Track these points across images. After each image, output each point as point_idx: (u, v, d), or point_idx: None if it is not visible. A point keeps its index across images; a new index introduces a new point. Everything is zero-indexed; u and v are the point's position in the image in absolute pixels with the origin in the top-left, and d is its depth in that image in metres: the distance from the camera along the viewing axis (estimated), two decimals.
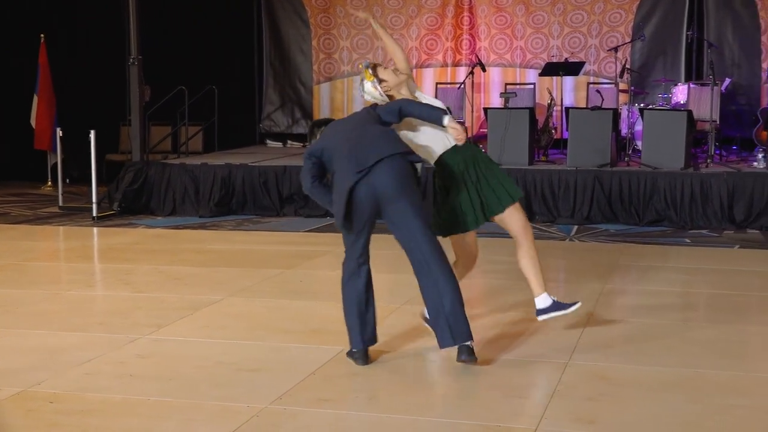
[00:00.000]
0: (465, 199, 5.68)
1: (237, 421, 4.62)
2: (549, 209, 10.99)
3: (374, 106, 5.76)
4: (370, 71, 5.75)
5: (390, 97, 5.79)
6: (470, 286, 7.85)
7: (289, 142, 15.70)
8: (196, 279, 8.00)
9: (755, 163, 11.35)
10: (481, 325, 6.30)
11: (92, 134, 11.47)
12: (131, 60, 12.29)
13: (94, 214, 11.43)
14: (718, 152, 12.01)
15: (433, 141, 5.72)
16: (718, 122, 12.10)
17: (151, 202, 12.04)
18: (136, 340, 6.07)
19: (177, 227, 10.96)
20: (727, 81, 13.28)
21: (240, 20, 15.58)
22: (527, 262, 5.86)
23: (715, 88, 11.82)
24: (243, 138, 15.34)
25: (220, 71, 14.64)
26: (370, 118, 5.61)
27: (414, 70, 13.59)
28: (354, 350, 5.54)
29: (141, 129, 12.41)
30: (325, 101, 15.50)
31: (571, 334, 6.15)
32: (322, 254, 9.13)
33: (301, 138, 15.61)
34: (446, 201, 5.72)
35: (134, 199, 11.99)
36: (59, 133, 12.44)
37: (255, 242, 9.96)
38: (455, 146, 5.67)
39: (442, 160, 5.73)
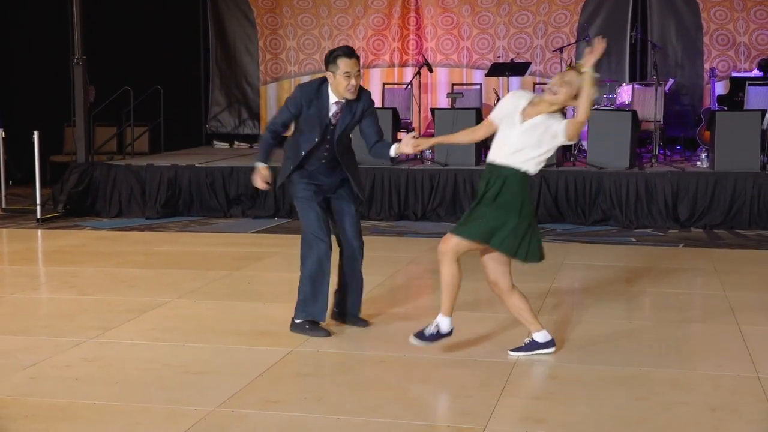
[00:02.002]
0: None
1: (184, 424, 4.58)
2: None
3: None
4: None
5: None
6: (419, 285, 7.89)
7: (236, 142, 15.61)
8: (142, 281, 7.93)
9: (698, 163, 11.49)
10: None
11: (36, 135, 11.33)
12: (75, 60, 12.15)
13: (38, 216, 11.28)
14: (662, 152, 12.15)
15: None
16: (662, 122, 12.25)
17: (96, 204, 11.91)
18: (81, 344, 6.00)
19: (123, 229, 10.86)
20: (671, 81, 13.44)
21: (186, 20, 15.47)
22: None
23: (658, 88, 11.95)
24: (189, 139, 15.24)
25: (165, 71, 14.53)
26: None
27: (361, 71, 13.56)
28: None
29: (86, 130, 12.28)
30: (272, 101, 15.44)
31: (518, 333, 6.18)
32: (269, 255, 9.10)
33: (248, 138, 15.55)
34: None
35: (79, 201, 11.85)
36: (2, 134, 12.25)
37: (202, 244, 9.90)
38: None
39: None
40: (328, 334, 6.03)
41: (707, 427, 4.56)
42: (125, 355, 5.79)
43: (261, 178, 6.22)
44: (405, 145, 5.85)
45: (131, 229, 10.87)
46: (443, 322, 5.51)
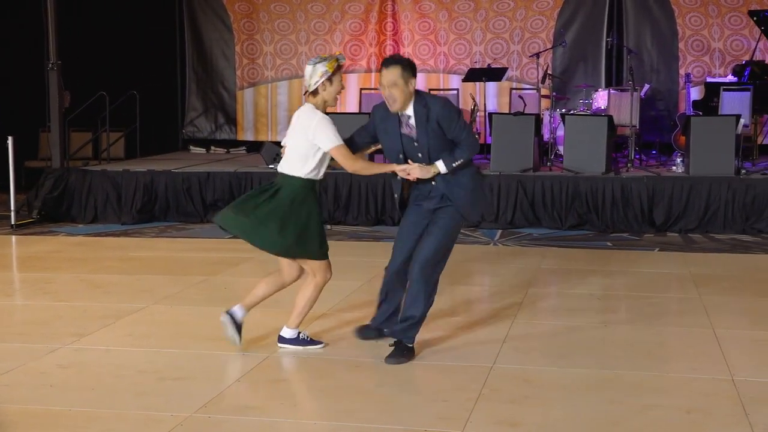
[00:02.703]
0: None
1: (161, 430, 4.57)
2: None
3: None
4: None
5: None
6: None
7: (212, 147, 15.58)
8: (118, 287, 7.90)
9: (674, 167, 11.55)
10: None
11: (10, 140, 11.25)
12: (50, 65, 12.08)
13: (13, 222, 11.21)
14: (638, 157, 12.21)
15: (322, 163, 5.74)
16: (637, 127, 12.31)
17: (71, 210, 11.85)
18: (56, 350, 5.97)
19: (98, 235, 10.81)
20: (647, 87, 13.51)
21: (162, 25, 15.43)
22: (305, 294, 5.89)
23: (634, 93, 12.02)
24: (166, 144, 15.18)
25: (141, 76, 14.47)
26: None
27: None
28: None
29: (61, 135, 12.22)
30: (249, 107, 15.43)
31: (495, 338, 6.20)
32: (245, 261, 9.08)
33: (224, 143, 15.53)
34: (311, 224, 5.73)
35: (54, 207, 11.79)
36: None
37: (178, 249, 9.86)
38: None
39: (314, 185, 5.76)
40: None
41: (681, 430, 4.58)
42: (101, 362, 5.76)
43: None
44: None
45: (107, 234, 10.82)
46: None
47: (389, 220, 11.19)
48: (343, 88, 5.82)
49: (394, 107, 5.66)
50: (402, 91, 5.61)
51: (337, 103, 6.04)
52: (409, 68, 5.65)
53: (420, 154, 5.66)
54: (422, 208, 5.79)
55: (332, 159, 5.68)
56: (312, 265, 5.75)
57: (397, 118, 5.71)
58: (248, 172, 11.68)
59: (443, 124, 5.60)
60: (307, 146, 5.62)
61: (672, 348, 6.14)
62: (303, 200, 5.64)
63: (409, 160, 5.68)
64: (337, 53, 5.73)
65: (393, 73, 5.60)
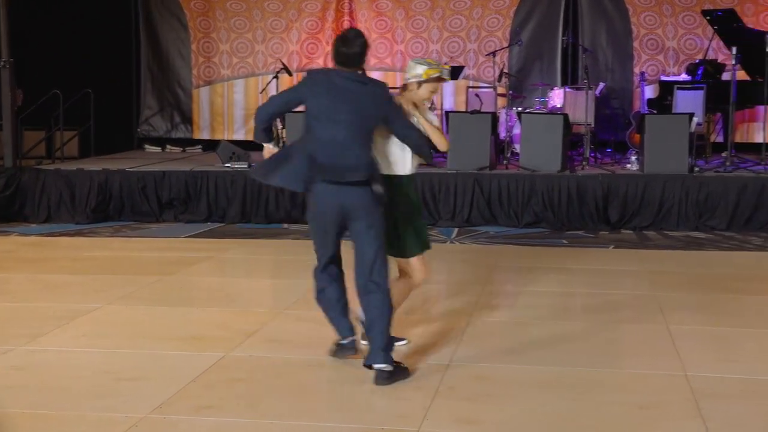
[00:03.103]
0: (420, 225, 5.69)
1: (116, 431, 4.53)
2: (430, 212, 11.09)
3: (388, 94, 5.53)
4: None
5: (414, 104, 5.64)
6: (351, 290, 7.88)
7: (168, 146, 15.47)
8: (73, 287, 7.82)
9: (629, 165, 11.65)
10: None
11: None
12: (2, 63, 11.94)
13: None
14: (593, 155, 12.29)
15: (401, 160, 5.59)
16: (593, 125, 12.40)
17: (24, 209, 11.71)
18: (10, 352, 5.90)
19: (52, 234, 10.70)
20: (601, 85, 13.61)
21: (117, 23, 15.28)
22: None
23: (589, 92, 12.10)
24: (120, 143, 15.05)
25: (96, 74, 14.33)
26: (375, 104, 5.38)
27: (295, 74, 13.54)
28: None
29: (13, 134, 12.06)
30: (205, 105, 15.34)
31: (451, 335, 6.22)
32: (202, 260, 9.03)
33: (180, 142, 15.43)
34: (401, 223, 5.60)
35: (7, 206, 11.65)
36: None
37: (134, 249, 9.79)
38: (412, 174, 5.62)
39: (402, 181, 5.62)
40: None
41: (636, 426, 4.62)
42: (55, 363, 5.71)
43: None
44: None
45: (61, 234, 10.72)
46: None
47: None
48: (428, 98, 5.66)
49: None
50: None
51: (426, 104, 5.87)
52: None
53: None
54: None
55: None
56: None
57: None
58: (204, 171, 11.62)
59: None
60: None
61: (626, 344, 6.20)
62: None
63: None
64: (446, 66, 5.58)
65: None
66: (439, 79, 5.50)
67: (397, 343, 5.63)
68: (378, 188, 5.23)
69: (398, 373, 5.28)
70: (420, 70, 5.49)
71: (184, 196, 11.49)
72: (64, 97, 13.33)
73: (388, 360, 5.24)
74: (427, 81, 5.50)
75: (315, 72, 5.51)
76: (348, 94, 5.23)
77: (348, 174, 5.17)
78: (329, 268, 5.57)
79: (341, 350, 5.61)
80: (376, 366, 5.23)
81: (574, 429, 4.58)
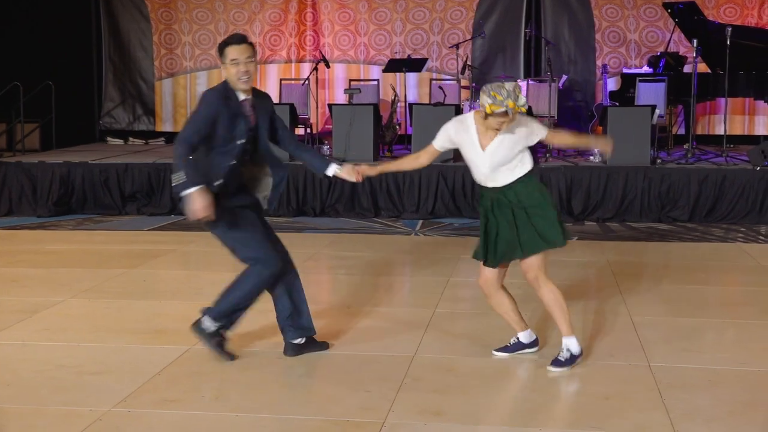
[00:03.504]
0: (485, 234, 5.66)
1: (80, 425, 4.50)
2: (394, 204, 11.11)
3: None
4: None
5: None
6: (318, 281, 7.89)
7: (130, 139, 15.37)
8: (34, 280, 7.75)
9: (591, 158, 11.72)
10: (329, 320, 6.32)
11: None
12: None
13: None
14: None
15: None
16: (556, 118, 12.46)
17: None
18: None
19: (14, 228, 10.60)
20: (564, 77, 13.68)
21: (77, 14, 15.14)
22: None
23: (552, 84, 12.16)
24: (82, 135, 14.94)
25: (56, 66, 14.21)
26: None
27: (257, 66, 13.49)
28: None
29: None
30: (167, 97, 15.26)
31: (416, 327, 6.23)
32: (165, 253, 8.99)
33: (143, 135, 15.33)
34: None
35: None
36: None
37: (96, 242, 9.72)
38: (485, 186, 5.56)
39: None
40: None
41: (600, 416, 4.66)
42: (17, 357, 5.65)
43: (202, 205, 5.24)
44: (348, 174, 5.57)
45: (22, 227, 10.62)
46: (571, 343, 5.48)
47: (311, 211, 11.17)
48: (498, 128, 5.32)
49: (246, 84, 5.39)
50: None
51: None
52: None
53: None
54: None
55: None
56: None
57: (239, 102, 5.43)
58: (167, 163, 11.55)
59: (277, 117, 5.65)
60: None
61: (590, 335, 6.23)
62: None
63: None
64: (511, 104, 5.14)
65: (249, 50, 5.36)
66: (504, 115, 5.19)
67: None
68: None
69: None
70: (485, 103, 5.19)
71: (147, 188, 11.43)
72: (24, 89, 13.20)
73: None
74: (489, 116, 5.24)
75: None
76: None
77: None
78: None
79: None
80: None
81: (540, 419, 4.61)
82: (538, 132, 5.45)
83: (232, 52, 5.34)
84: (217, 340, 5.51)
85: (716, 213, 10.70)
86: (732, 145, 12.82)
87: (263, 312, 6.32)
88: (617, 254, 8.88)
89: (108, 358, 5.62)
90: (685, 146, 11.87)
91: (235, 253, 5.53)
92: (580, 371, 5.34)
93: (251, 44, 5.41)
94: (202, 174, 5.23)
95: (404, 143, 13.02)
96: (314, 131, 13.10)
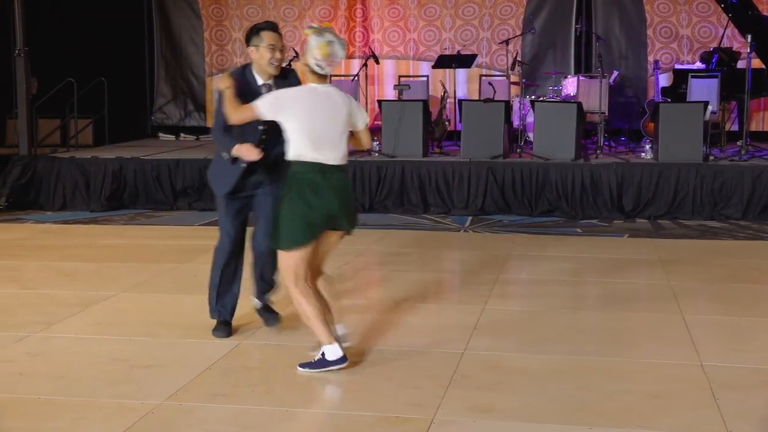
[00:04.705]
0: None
1: (131, 418, 4.55)
2: (443, 201, 11.09)
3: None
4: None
5: None
6: (367, 277, 7.91)
7: (182, 134, 15.50)
8: (87, 275, 7.85)
9: (643, 154, 11.62)
10: (378, 316, 6.33)
11: None
12: (17, 51, 11.97)
13: None
14: (607, 143, 12.26)
15: None
16: (607, 114, 12.36)
17: (40, 197, 11.77)
18: (25, 338, 5.92)
19: (67, 222, 10.74)
20: (615, 73, 13.57)
21: (130, 11, 15.32)
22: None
23: (603, 80, 12.07)
24: (134, 131, 15.10)
25: (109, 63, 14.37)
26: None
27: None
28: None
29: (28, 122, 12.12)
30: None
31: (466, 324, 6.22)
32: None
33: (194, 130, 15.45)
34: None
35: (22, 194, 11.70)
36: None
37: (148, 237, 9.82)
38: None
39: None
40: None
41: (649, 415, 4.62)
42: (70, 350, 5.73)
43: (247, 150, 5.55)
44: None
45: (75, 222, 10.75)
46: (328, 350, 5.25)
47: (360, 207, 11.17)
48: None
49: (277, 70, 5.60)
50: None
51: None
52: None
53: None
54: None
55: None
56: None
57: (256, 88, 5.60)
58: None
59: None
60: None
61: (641, 333, 6.18)
62: None
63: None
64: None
65: (282, 40, 5.64)
66: None
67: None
68: None
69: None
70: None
71: (198, 184, 11.51)
72: (78, 86, 13.36)
73: None
74: None
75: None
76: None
77: None
78: None
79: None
80: None
81: (588, 418, 4.58)
82: None
83: (271, 37, 5.56)
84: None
85: None
86: None
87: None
88: (669, 252, 8.79)
89: (159, 352, 5.68)
90: (739, 143, 11.72)
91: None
92: (629, 369, 5.30)
93: (281, 35, 5.68)
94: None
95: (453, 139, 13.00)
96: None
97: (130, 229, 10.33)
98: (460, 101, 12.16)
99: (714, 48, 12.96)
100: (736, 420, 4.53)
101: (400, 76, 14.32)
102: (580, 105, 11.50)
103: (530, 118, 12.11)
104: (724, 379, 5.12)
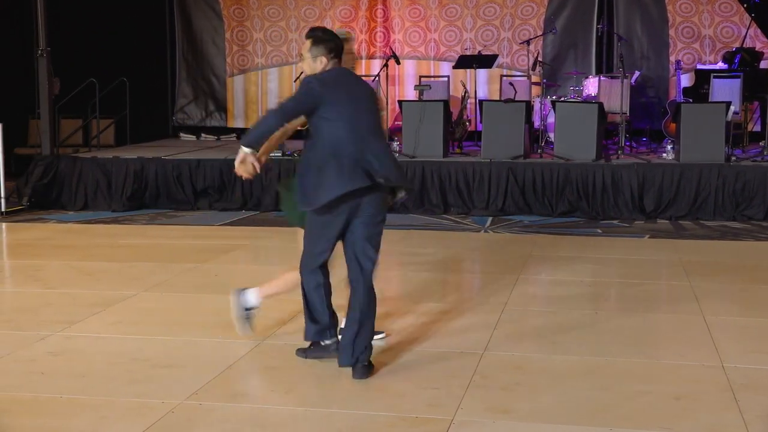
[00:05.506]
0: None
1: (151, 417, 4.57)
2: (464, 201, 11.08)
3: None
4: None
5: None
6: (388, 278, 7.89)
7: (203, 135, 15.55)
8: (108, 274, 7.88)
9: (664, 155, 11.57)
10: (398, 317, 6.33)
11: None
12: (39, 52, 12.04)
13: (3, 209, 11.18)
14: (628, 144, 12.22)
15: None
16: (628, 114, 12.31)
17: (62, 197, 11.83)
18: (46, 338, 5.96)
19: (89, 222, 10.79)
20: (637, 74, 13.52)
21: (151, 11, 15.37)
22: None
23: (624, 80, 12.02)
24: (156, 131, 15.15)
25: (131, 63, 14.43)
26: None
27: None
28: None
29: (50, 122, 12.18)
30: (239, 94, 15.40)
31: (486, 325, 6.21)
32: (237, 248, 9.07)
33: (215, 131, 15.50)
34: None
35: (44, 194, 11.77)
36: None
37: (169, 236, 9.85)
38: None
39: None
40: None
41: (670, 416, 4.60)
42: (91, 349, 5.75)
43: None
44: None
45: (97, 222, 10.80)
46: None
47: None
48: None
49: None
50: (308, 65, 5.35)
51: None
52: (322, 44, 5.31)
53: None
54: None
55: None
56: None
57: None
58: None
59: None
60: None
61: (662, 334, 6.16)
62: None
63: None
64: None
65: (305, 46, 5.37)
66: None
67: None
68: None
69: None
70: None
71: (219, 184, 11.54)
72: (100, 86, 13.44)
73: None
74: None
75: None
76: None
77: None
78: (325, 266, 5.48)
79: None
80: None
81: (609, 419, 4.56)
82: None
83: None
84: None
85: None
86: None
87: (335, 307, 6.35)
88: (690, 253, 8.75)
89: (180, 351, 5.70)
90: (761, 143, 11.67)
91: None
92: (651, 371, 5.28)
93: (310, 38, 5.36)
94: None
95: (474, 140, 12.99)
96: (384, 127, 13.10)
97: (151, 228, 10.37)
98: (481, 101, 12.15)
99: (736, 48, 12.89)
100: (757, 421, 4.50)
101: (420, 77, 14.31)
102: (601, 105, 11.46)
103: (551, 119, 12.08)
104: (745, 380, 5.10)
